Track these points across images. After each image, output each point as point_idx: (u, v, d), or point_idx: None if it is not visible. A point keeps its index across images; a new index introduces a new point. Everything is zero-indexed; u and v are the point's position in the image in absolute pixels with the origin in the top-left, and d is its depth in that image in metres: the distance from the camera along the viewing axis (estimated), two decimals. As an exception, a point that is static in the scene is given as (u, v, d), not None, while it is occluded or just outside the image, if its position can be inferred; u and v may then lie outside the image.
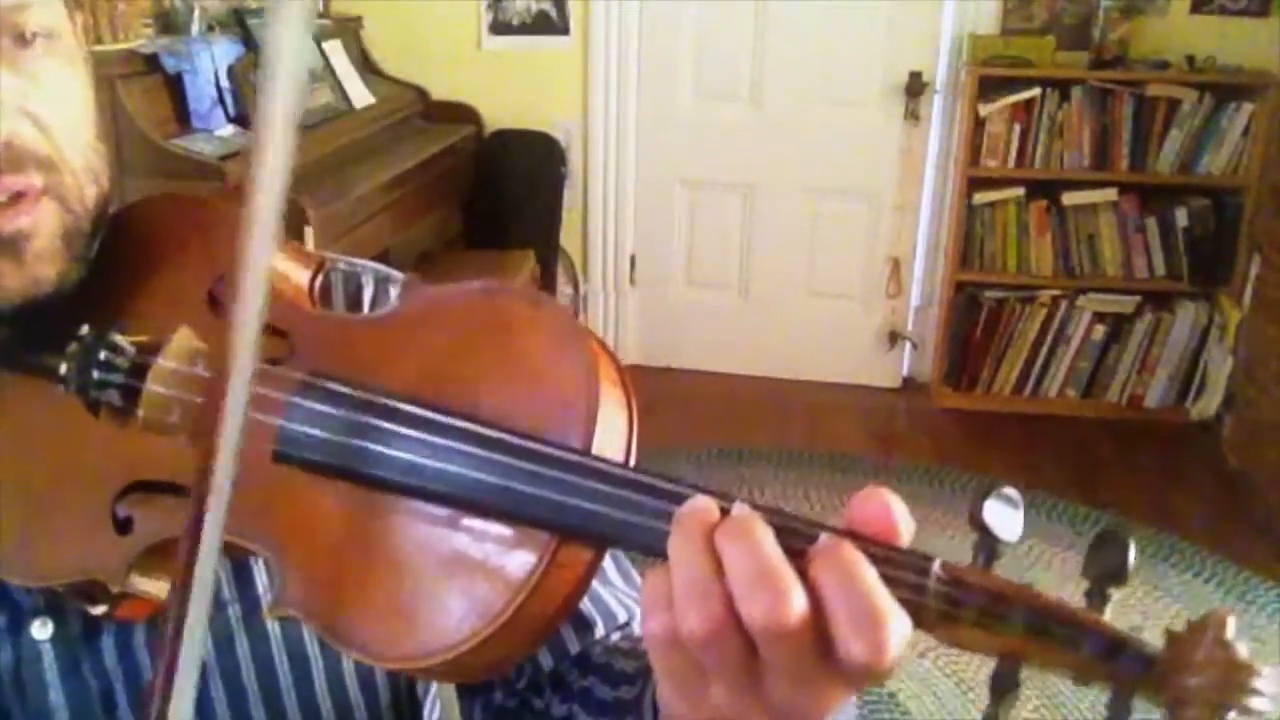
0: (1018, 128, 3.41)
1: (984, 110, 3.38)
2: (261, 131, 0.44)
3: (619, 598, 0.71)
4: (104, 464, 0.57)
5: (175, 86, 2.64)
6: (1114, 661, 0.41)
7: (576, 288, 3.92)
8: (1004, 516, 0.44)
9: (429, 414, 0.50)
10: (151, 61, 2.59)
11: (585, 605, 0.69)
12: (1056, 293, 3.54)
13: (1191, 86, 3.33)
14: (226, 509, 0.46)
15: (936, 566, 0.43)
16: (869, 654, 0.40)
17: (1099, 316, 3.54)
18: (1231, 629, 0.41)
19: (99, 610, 0.59)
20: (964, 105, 3.44)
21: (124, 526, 0.55)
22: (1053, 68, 3.37)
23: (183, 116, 2.64)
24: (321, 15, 3.51)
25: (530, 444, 0.48)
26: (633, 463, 0.50)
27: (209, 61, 2.71)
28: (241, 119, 2.76)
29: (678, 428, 3.38)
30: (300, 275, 0.62)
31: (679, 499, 0.45)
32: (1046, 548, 2.85)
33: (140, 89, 2.54)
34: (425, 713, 0.76)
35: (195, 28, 2.82)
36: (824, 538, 0.43)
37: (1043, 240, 3.52)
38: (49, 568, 0.56)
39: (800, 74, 3.58)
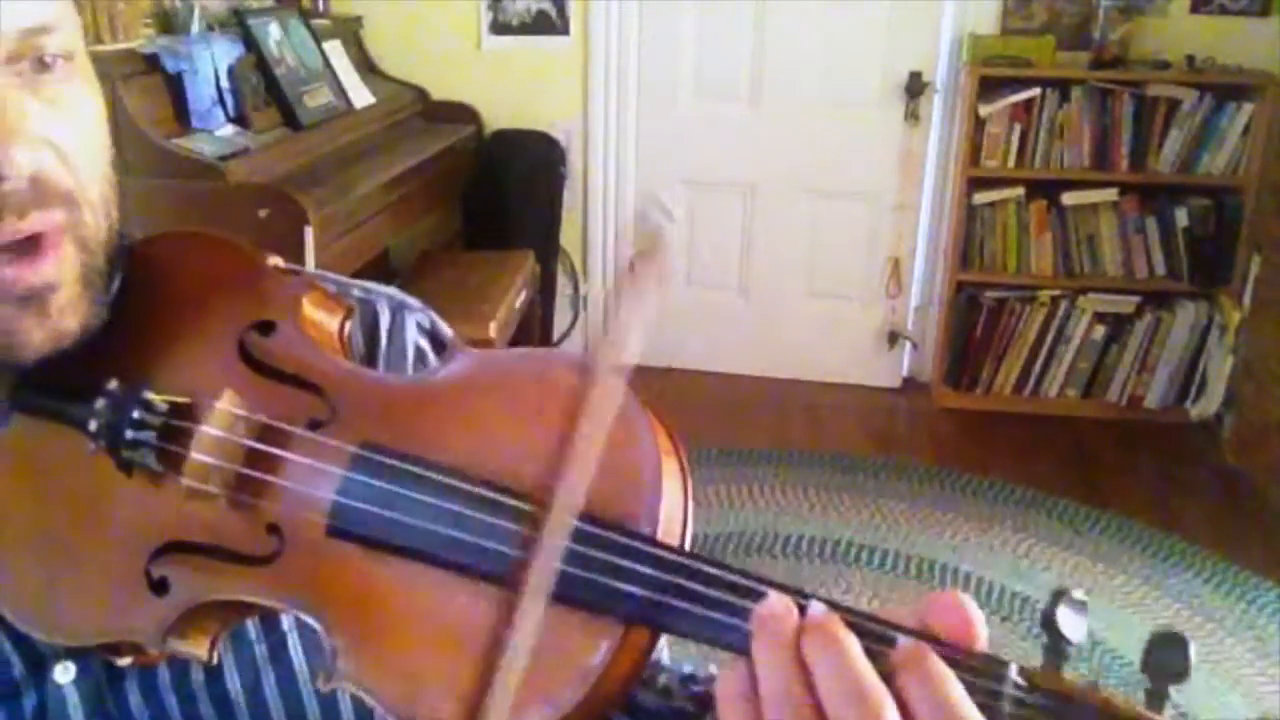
0: (1018, 128, 3.41)
1: (984, 110, 3.38)
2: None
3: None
4: (138, 522, 0.54)
5: (175, 86, 2.64)
6: None
7: (576, 288, 3.92)
8: (1074, 620, 0.45)
9: (492, 494, 0.48)
10: (151, 61, 2.59)
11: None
12: (1056, 293, 3.54)
13: (1191, 86, 3.33)
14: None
15: (1013, 672, 0.43)
16: None
17: (1099, 316, 3.54)
18: None
19: (124, 662, 0.57)
20: (964, 105, 3.44)
21: (160, 588, 0.53)
22: (1053, 68, 3.37)
23: (183, 116, 2.64)
24: (321, 15, 3.51)
25: (602, 532, 0.46)
26: (690, 530, 0.49)
27: (209, 61, 2.71)
28: (241, 119, 2.76)
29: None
30: (331, 324, 0.60)
31: (754, 595, 0.45)
32: (1046, 548, 2.85)
33: (140, 89, 2.54)
34: None
35: (195, 28, 2.82)
36: (904, 643, 0.43)
37: (1043, 240, 3.52)
38: (82, 627, 0.54)
39: (800, 74, 3.58)
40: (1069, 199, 3.47)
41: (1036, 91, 3.37)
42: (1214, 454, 3.38)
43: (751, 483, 3.12)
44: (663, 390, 3.62)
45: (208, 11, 2.91)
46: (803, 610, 0.44)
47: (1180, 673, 0.44)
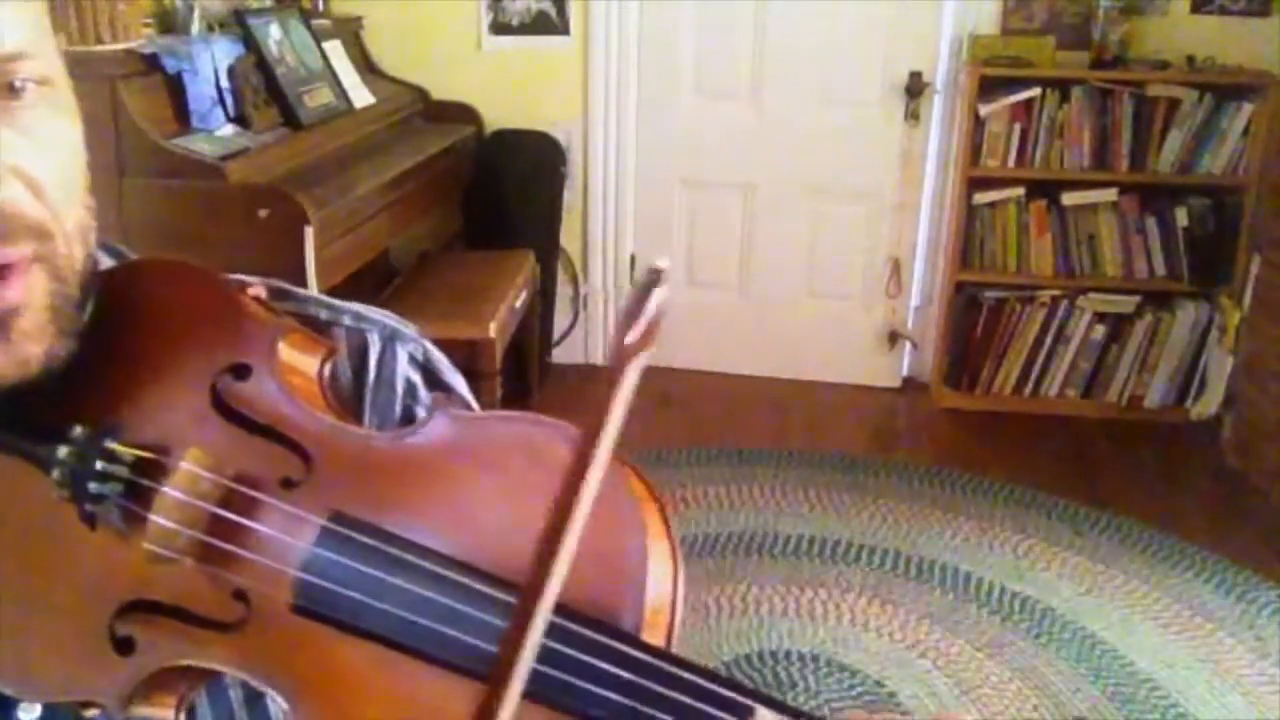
0: (1018, 128, 3.41)
1: (984, 110, 3.38)
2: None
3: None
4: (103, 576, 0.52)
5: (175, 86, 2.64)
6: None
7: (576, 288, 3.92)
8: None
9: (468, 581, 0.46)
10: (151, 61, 2.59)
11: None
12: (1056, 293, 3.54)
13: (1191, 86, 3.33)
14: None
15: None
16: None
17: (1099, 316, 3.54)
18: None
19: (92, 713, 0.55)
20: (964, 105, 3.44)
21: (124, 647, 0.51)
22: (1053, 68, 3.37)
23: (183, 116, 2.64)
24: (321, 15, 3.51)
25: (578, 629, 0.44)
26: (679, 614, 0.47)
27: (209, 61, 2.71)
28: (241, 119, 2.76)
29: (678, 428, 3.38)
30: (310, 366, 0.58)
31: (740, 710, 0.43)
32: (1047, 548, 2.85)
33: (140, 89, 2.54)
34: None
35: (195, 28, 2.82)
36: None
37: (1043, 240, 3.52)
38: (46, 685, 0.53)
39: (800, 74, 3.58)
40: (1069, 199, 3.47)
41: (1036, 91, 3.37)
42: (1214, 454, 3.38)
43: (751, 483, 3.12)
44: (663, 390, 3.62)
45: (208, 11, 2.91)
46: None
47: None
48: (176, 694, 0.52)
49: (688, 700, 0.43)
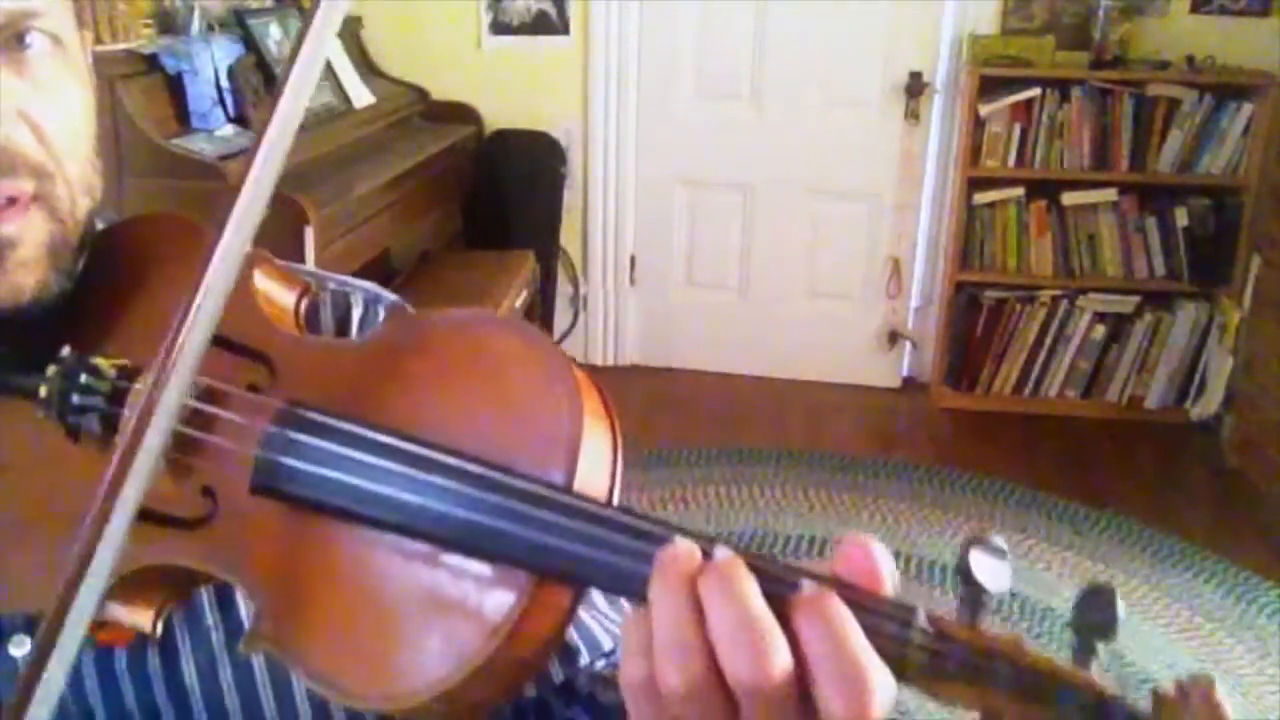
0: (1018, 128, 3.41)
1: (984, 110, 3.38)
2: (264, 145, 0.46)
3: (604, 625, 0.70)
4: (84, 491, 0.54)
5: (175, 86, 2.64)
6: None
7: (576, 288, 3.92)
8: (991, 568, 0.43)
9: (409, 447, 0.48)
10: (151, 61, 2.59)
11: (569, 633, 0.67)
12: (1056, 293, 3.54)
13: (1191, 86, 3.33)
14: (125, 529, 0.46)
15: (921, 619, 0.42)
16: (851, 712, 0.40)
17: (1099, 316, 3.54)
18: (1219, 691, 0.40)
19: None
20: (964, 105, 3.44)
21: None
22: (1053, 68, 3.37)
23: (183, 116, 2.64)
24: (321, 15, 3.50)
25: (512, 480, 0.46)
26: (617, 496, 0.49)
27: (209, 61, 2.71)
28: (241, 119, 2.76)
29: (678, 428, 3.38)
30: (285, 297, 0.61)
31: (660, 541, 0.44)
32: (1046, 548, 2.85)
33: (140, 89, 2.54)
34: None
35: (195, 28, 2.83)
36: (807, 586, 0.42)
37: (1043, 240, 3.52)
38: (25, 594, 0.55)
39: (800, 74, 3.58)
40: (1069, 199, 3.47)
41: (1036, 91, 3.37)
42: (1214, 454, 3.38)
43: (751, 483, 3.12)
44: (663, 390, 3.62)
45: (208, 11, 2.91)
46: (708, 556, 0.43)
47: (1108, 627, 0.42)
48: (154, 604, 0.54)
49: (613, 536, 0.45)
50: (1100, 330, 3.54)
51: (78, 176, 0.58)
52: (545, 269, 3.66)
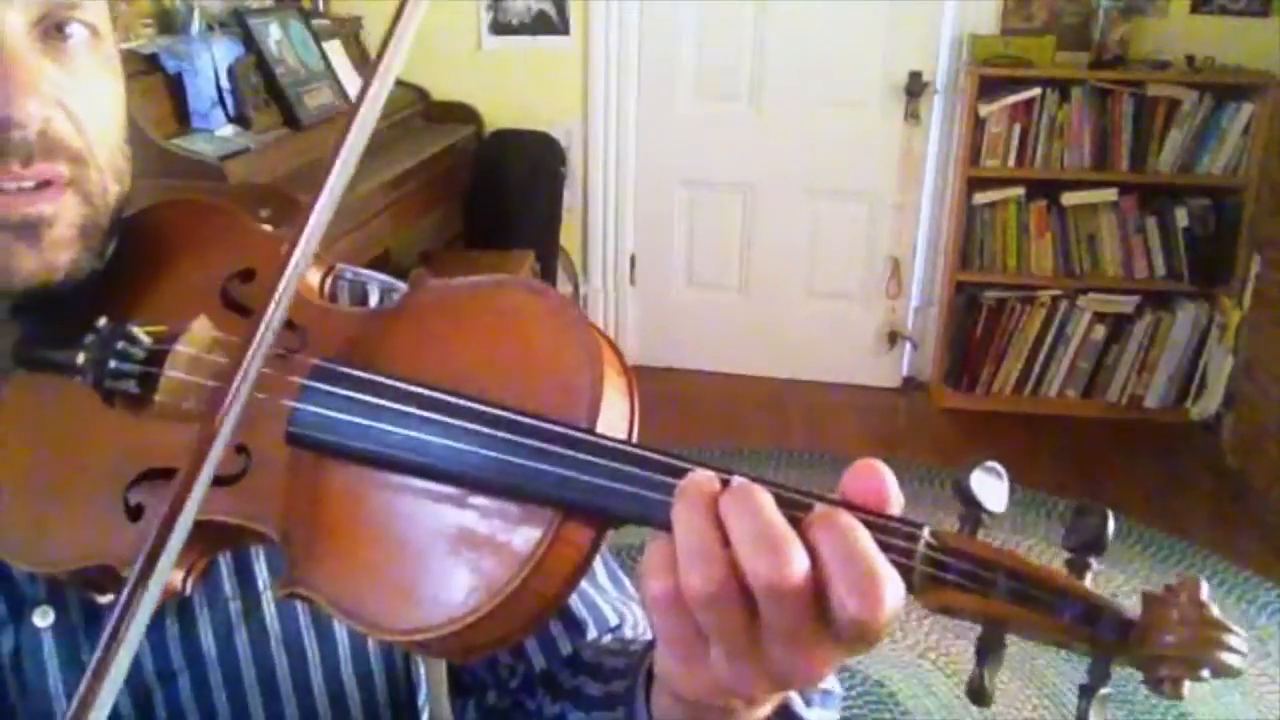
0: (1018, 128, 3.41)
1: (984, 110, 3.38)
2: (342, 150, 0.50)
3: (610, 602, 0.73)
4: (117, 453, 0.57)
5: (175, 86, 2.64)
6: (1093, 626, 0.43)
7: (576, 288, 3.92)
8: (990, 488, 0.46)
9: (438, 394, 0.51)
10: (151, 61, 2.59)
11: (577, 607, 0.71)
12: (1056, 293, 3.54)
13: (1191, 86, 3.33)
14: (207, 490, 0.48)
15: (926, 533, 0.45)
16: (865, 612, 0.42)
17: (1099, 316, 3.54)
18: (1205, 591, 0.43)
19: (106, 599, 0.60)
20: (964, 105, 3.44)
21: (136, 514, 0.56)
22: (1053, 68, 3.37)
23: (183, 116, 2.64)
24: (321, 15, 3.51)
25: (537, 422, 0.49)
26: (635, 439, 0.51)
27: (209, 61, 2.71)
28: (241, 119, 2.76)
29: (678, 428, 3.38)
30: (312, 274, 0.64)
31: (681, 473, 0.46)
32: (1046, 547, 2.85)
33: (140, 89, 2.54)
34: (419, 713, 0.76)
35: (195, 28, 2.82)
36: (820, 506, 0.45)
37: (1043, 240, 3.52)
38: (61, 554, 0.57)
39: (800, 74, 3.58)
40: (1069, 199, 3.47)
41: (1036, 91, 3.37)
42: (1214, 454, 3.38)
43: (751, 483, 3.11)
44: (663, 390, 3.62)
45: (208, 11, 2.91)
46: (727, 484, 0.45)
47: (1098, 543, 0.45)
48: (185, 563, 0.56)
49: (636, 470, 0.47)
50: (1100, 330, 3.54)
51: (108, 163, 0.60)
52: (545, 269, 3.66)
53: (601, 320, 3.93)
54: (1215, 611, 0.43)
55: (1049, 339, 3.57)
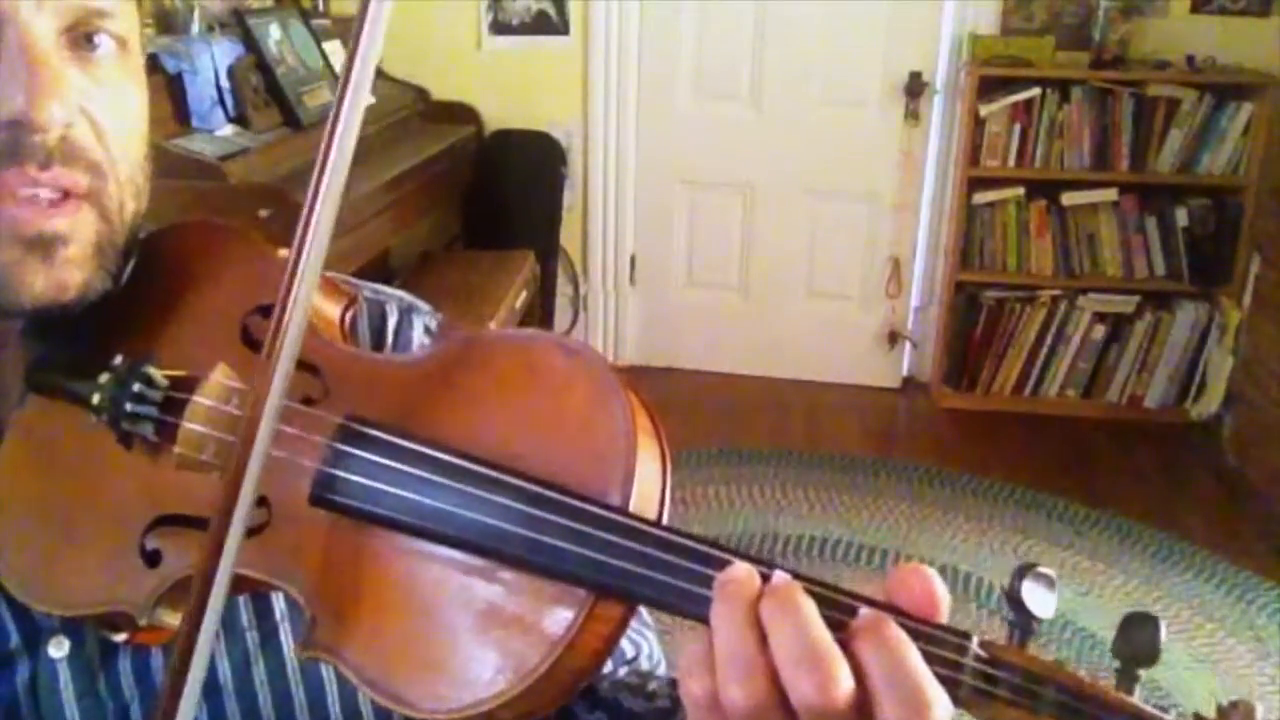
0: (1018, 128, 3.41)
1: (984, 110, 3.38)
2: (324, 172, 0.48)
3: (628, 634, 0.71)
4: (134, 496, 0.56)
5: (175, 86, 2.64)
6: None
7: (576, 288, 3.92)
8: (1040, 596, 0.45)
9: (468, 464, 0.49)
10: (151, 61, 2.59)
11: None
12: (1056, 293, 3.54)
13: (1191, 86, 3.33)
14: (240, 544, 0.47)
15: (975, 644, 0.44)
16: None
17: (1099, 316, 3.54)
18: (1260, 716, 0.42)
19: (120, 637, 0.59)
20: (964, 105, 3.44)
21: (152, 559, 0.55)
22: (1053, 68, 3.37)
23: (183, 116, 2.64)
24: (321, 15, 3.51)
25: (571, 500, 0.47)
26: (667, 514, 0.50)
27: (209, 61, 2.71)
28: (241, 119, 2.76)
29: (678, 428, 3.38)
30: (332, 310, 0.62)
31: (720, 564, 0.45)
32: (1047, 547, 2.85)
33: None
34: None
35: (195, 28, 2.82)
36: (865, 612, 0.43)
37: (1043, 240, 3.52)
38: (76, 598, 0.56)
39: (800, 74, 3.58)
40: (1069, 199, 3.47)
41: (1036, 91, 3.37)
42: (1214, 454, 3.38)
43: (751, 483, 3.12)
44: (663, 390, 3.62)
45: (208, 11, 2.91)
46: (766, 579, 0.44)
47: (1150, 654, 0.44)
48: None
49: (672, 558, 0.46)
50: (1100, 330, 3.54)
51: (128, 179, 0.59)
52: (545, 269, 3.66)
53: (601, 320, 3.93)
54: None
55: (1049, 339, 3.57)
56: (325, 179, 0.49)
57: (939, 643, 0.43)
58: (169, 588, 0.54)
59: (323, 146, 0.50)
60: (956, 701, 0.43)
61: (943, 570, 2.72)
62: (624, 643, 0.70)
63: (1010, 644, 0.44)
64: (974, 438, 3.47)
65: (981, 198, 3.50)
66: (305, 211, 0.49)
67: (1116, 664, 0.44)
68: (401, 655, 0.49)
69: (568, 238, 3.82)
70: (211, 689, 0.65)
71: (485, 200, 3.66)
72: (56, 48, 0.55)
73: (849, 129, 3.61)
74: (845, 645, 0.42)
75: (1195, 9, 3.40)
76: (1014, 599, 0.45)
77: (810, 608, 0.43)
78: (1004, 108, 3.39)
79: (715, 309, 3.88)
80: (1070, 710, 0.42)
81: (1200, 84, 3.32)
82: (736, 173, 3.74)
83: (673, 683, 0.64)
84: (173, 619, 0.54)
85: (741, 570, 0.44)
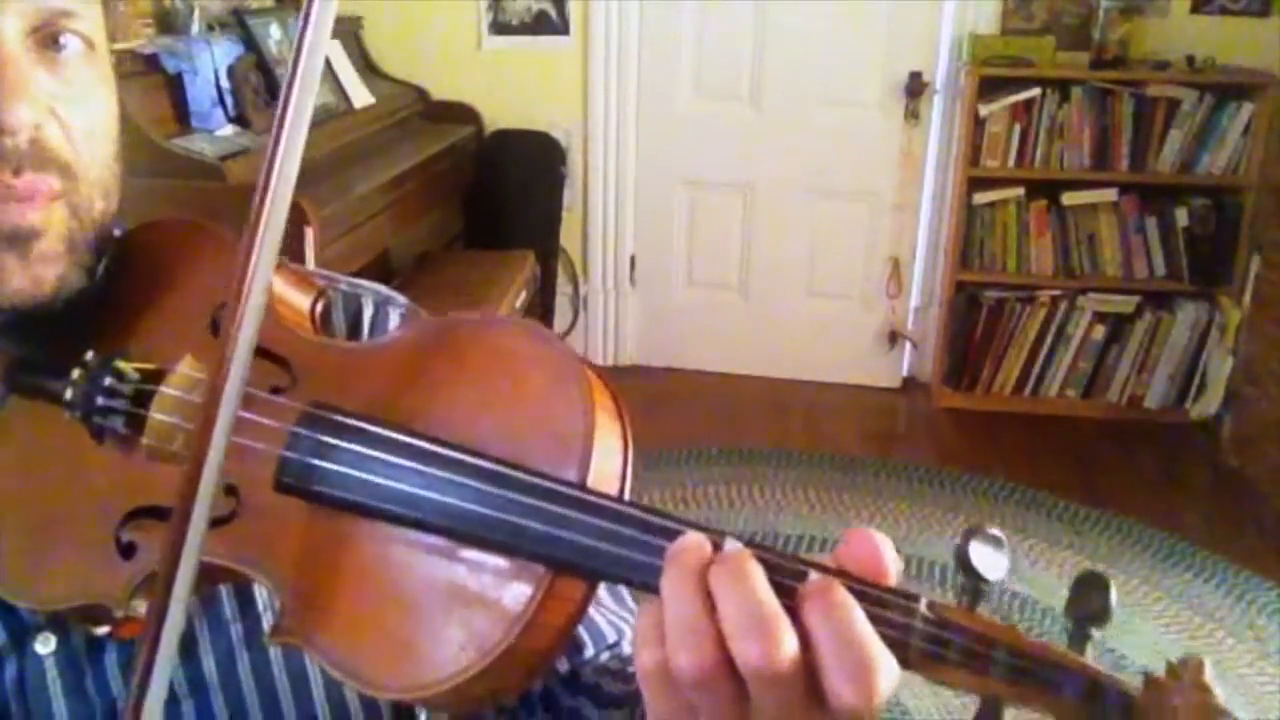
0: (1018, 128, 3.41)
1: (984, 110, 3.38)
2: (276, 151, 0.48)
3: (609, 618, 0.72)
4: (108, 490, 0.57)
5: (175, 86, 2.64)
6: (1094, 704, 0.42)
7: (576, 288, 3.92)
8: (989, 557, 0.45)
9: (429, 446, 0.50)
10: (151, 61, 2.59)
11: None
12: (1056, 293, 3.54)
13: (1191, 86, 3.33)
14: (204, 533, 0.48)
15: (923, 606, 0.43)
16: (859, 699, 0.41)
17: (1099, 316, 3.54)
18: (1209, 673, 0.41)
19: (102, 630, 0.60)
20: (964, 105, 3.44)
21: (127, 552, 0.56)
22: (1053, 68, 3.37)
23: (183, 116, 2.64)
24: (321, 15, 3.50)
25: (528, 478, 0.48)
26: (628, 494, 0.50)
27: (209, 61, 2.71)
28: (241, 119, 2.76)
29: (678, 428, 3.38)
30: (301, 300, 0.62)
31: (672, 535, 0.45)
32: (1046, 547, 2.85)
33: (140, 89, 2.54)
34: None
35: (195, 28, 2.82)
36: (814, 577, 0.43)
37: (1043, 240, 3.52)
38: (56, 592, 0.57)
39: (800, 74, 3.58)
40: (1069, 199, 3.47)
41: (1036, 91, 3.37)
42: (1214, 454, 3.38)
43: (751, 483, 3.12)
44: (663, 390, 3.62)
45: (208, 11, 2.91)
46: (718, 548, 0.44)
47: (1102, 614, 0.44)
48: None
49: (626, 531, 0.46)
50: (1100, 330, 3.54)
51: (98, 178, 0.59)
52: (545, 269, 3.66)
53: (601, 320, 3.93)
54: (1219, 698, 0.41)
55: (1049, 339, 3.57)
56: (279, 154, 0.49)
57: (886, 604, 0.43)
58: (144, 579, 0.55)
59: (273, 132, 0.49)
60: (906, 664, 0.43)
61: (943, 570, 2.72)
62: (606, 627, 0.71)
63: (960, 607, 0.44)
64: (974, 438, 3.47)
65: (981, 198, 3.50)
66: (259, 190, 0.49)
67: (1069, 624, 0.44)
68: (369, 638, 0.50)
69: (568, 238, 3.82)
70: (198, 685, 0.65)
71: (485, 200, 3.66)
72: (23, 49, 0.55)
73: (849, 129, 3.61)
74: (794, 612, 0.42)
75: (1195, 9, 3.40)
76: (962, 561, 0.44)
77: (758, 574, 0.43)
78: (1004, 108, 3.39)
79: (715, 309, 3.88)
80: (1021, 672, 0.42)
81: (1200, 84, 3.32)
82: (736, 173, 3.74)
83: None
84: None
85: (692, 540, 0.44)
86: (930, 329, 3.76)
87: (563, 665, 0.70)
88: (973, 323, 3.60)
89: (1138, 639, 2.48)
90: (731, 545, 0.44)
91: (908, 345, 3.84)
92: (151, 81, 2.58)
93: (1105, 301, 3.52)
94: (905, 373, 3.86)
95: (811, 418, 3.60)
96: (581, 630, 0.70)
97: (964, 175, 3.46)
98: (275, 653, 0.67)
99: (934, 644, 0.43)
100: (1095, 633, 0.44)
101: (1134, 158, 3.40)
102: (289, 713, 0.67)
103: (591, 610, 0.71)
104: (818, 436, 3.48)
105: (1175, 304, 3.52)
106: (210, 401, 0.48)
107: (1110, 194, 3.45)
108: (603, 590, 0.72)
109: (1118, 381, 3.58)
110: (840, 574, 0.44)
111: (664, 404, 3.52)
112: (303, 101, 0.50)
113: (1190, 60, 3.33)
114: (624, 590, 0.75)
